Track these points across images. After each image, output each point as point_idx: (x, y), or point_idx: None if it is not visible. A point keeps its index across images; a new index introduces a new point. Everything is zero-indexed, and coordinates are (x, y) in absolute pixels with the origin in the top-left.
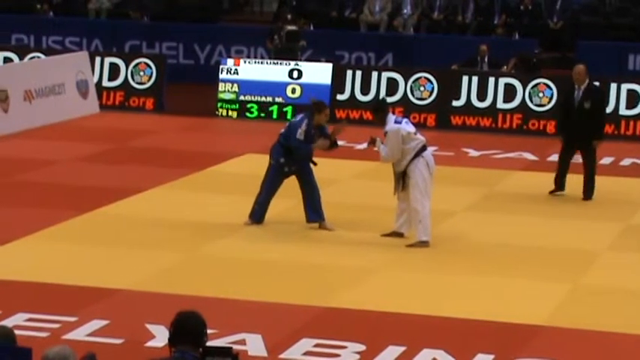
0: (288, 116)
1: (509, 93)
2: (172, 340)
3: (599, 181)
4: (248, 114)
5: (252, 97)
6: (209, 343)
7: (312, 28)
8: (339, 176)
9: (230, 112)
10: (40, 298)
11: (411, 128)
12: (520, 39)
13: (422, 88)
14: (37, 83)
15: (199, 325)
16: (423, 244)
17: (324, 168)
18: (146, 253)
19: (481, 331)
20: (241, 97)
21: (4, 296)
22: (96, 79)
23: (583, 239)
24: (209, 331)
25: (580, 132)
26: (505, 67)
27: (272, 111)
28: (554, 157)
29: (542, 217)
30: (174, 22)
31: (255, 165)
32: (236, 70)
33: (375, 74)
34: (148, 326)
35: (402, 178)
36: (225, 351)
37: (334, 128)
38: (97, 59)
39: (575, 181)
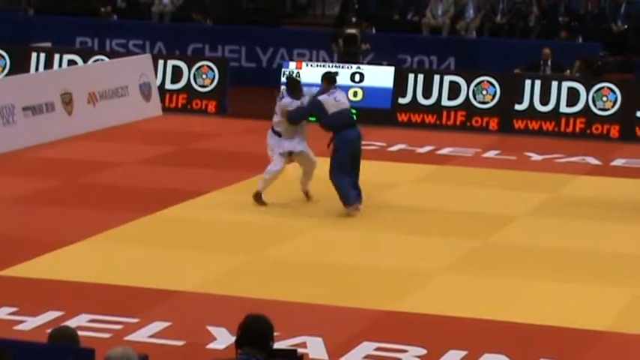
0: None
1: (573, 97)
2: (239, 342)
3: None
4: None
5: None
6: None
7: (374, 31)
8: (399, 180)
9: None
10: (103, 300)
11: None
12: (584, 42)
13: (484, 92)
14: (100, 86)
15: (267, 329)
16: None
17: (384, 171)
18: (208, 255)
19: (543, 337)
20: None
21: (67, 297)
22: (159, 81)
23: None
24: None
25: None
26: (568, 70)
27: None
28: (618, 162)
29: (605, 221)
30: (237, 26)
31: (318, 167)
32: (298, 73)
33: (437, 78)
34: (209, 328)
35: None
36: (291, 353)
37: None
38: (160, 62)
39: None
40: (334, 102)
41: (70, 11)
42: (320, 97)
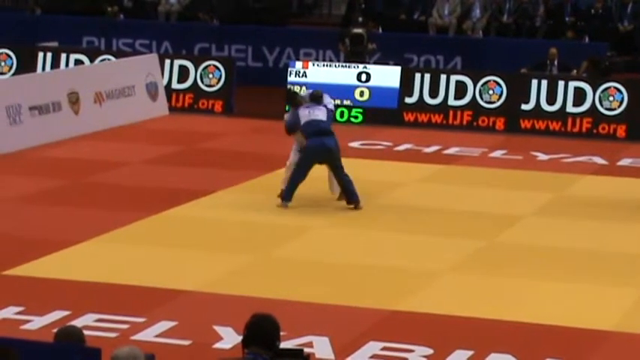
0: (357, 119)
1: (579, 97)
2: (245, 342)
3: None
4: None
5: None
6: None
7: (380, 30)
8: (405, 179)
9: None
10: (109, 299)
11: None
12: (590, 42)
13: (491, 92)
14: (107, 85)
15: (274, 329)
16: None
17: (390, 171)
18: (214, 254)
19: (550, 336)
20: None
21: (74, 297)
22: (165, 81)
23: None
24: None
25: None
26: (575, 70)
27: (341, 114)
28: (625, 162)
29: (611, 221)
30: (243, 25)
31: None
32: (304, 72)
33: (443, 77)
34: (216, 328)
35: None
36: (297, 353)
37: None
38: (167, 61)
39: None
40: (306, 114)
41: (77, 11)
42: (299, 108)
